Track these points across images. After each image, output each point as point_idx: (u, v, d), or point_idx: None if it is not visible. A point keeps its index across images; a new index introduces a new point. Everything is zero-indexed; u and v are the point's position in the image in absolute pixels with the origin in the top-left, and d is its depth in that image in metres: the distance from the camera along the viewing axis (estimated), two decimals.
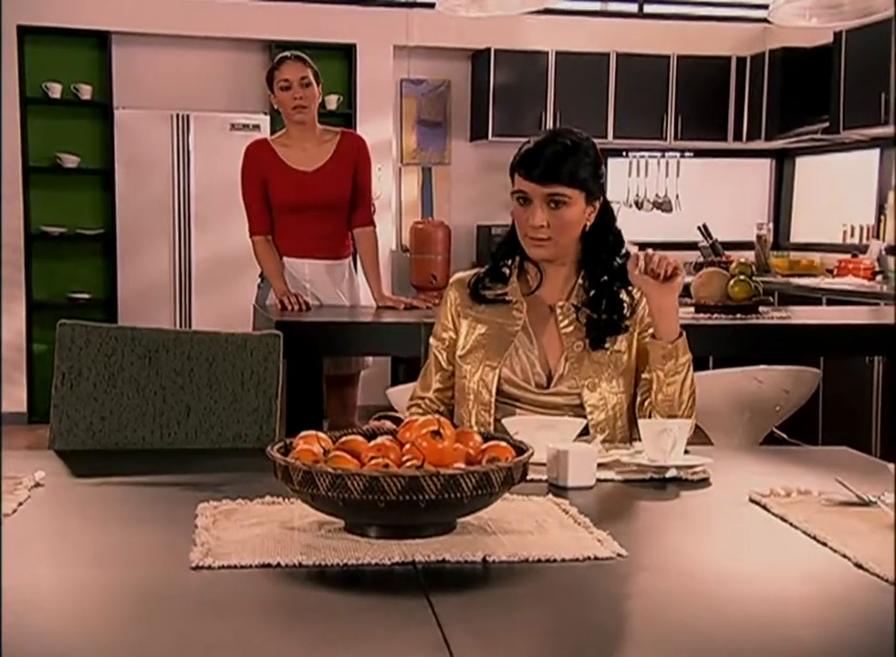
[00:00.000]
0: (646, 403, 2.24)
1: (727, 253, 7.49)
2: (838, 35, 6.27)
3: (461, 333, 2.34)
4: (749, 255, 7.36)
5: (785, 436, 4.83)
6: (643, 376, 2.26)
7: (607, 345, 2.27)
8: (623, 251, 2.36)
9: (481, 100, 7.12)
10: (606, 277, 2.31)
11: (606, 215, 2.34)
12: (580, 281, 2.32)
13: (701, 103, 7.25)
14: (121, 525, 1.60)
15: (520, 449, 1.59)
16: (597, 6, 7.52)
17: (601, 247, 2.33)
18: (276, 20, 6.82)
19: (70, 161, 6.72)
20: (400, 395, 3.54)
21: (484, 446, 1.60)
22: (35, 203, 6.70)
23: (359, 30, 6.95)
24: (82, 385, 2.17)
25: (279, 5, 6.84)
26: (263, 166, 4.04)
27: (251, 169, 4.07)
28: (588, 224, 2.29)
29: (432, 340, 2.38)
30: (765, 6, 7.21)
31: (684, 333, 2.20)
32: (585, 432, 2.16)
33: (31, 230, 6.67)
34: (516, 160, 2.27)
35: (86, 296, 6.81)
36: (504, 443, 1.60)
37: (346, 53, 6.98)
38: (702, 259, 7.57)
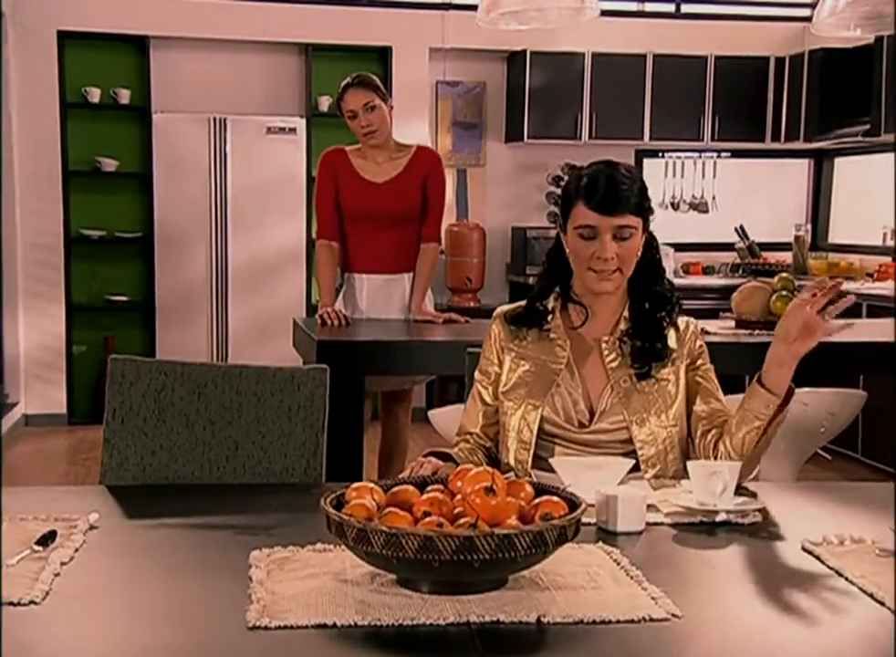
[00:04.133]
0: (710, 435, 2.18)
1: (764, 254, 7.46)
2: (879, 36, 6.20)
3: (504, 369, 2.32)
4: (787, 257, 7.33)
5: (829, 457, 4.81)
6: (697, 408, 2.23)
7: (653, 373, 2.25)
8: (664, 278, 2.35)
9: (516, 102, 7.10)
10: (649, 305, 2.30)
11: (653, 242, 2.33)
12: (625, 314, 2.31)
13: (738, 104, 7.19)
14: (176, 575, 1.61)
15: (573, 503, 1.59)
16: (634, 7, 7.47)
17: (649, 275, 2.32)
18: (312, 23, 6.83)
19: (109, 164, 6.77)
20: (442, 417, 3.54)
21: (537, 501, 1.60)
22: (74, 206, 6.76)
23: (395, 32, 6.94)
24: (132, 420, 2.19)
25: (315, 8, 6.85)
26: (336, 172, 4.12)
27: (325, 174, 4.15)
28: (640, 252, 2.28)
29: (476, 374, 2.37)
30: (804, 6, 7.17)
31: (794, 388, 2.10)
32: (636, 468, 2.16)
33: (71, 233, 6.74)
34: (579, 192, 2.21)
35: (124, 298, 6.87)
36: (556, 498, 1.60)
37: (381, 55, 6.98)
38: (738, 260, 7.55)
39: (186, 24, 6.71)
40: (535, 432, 2.25)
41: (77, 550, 1.67)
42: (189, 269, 6.75)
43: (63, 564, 1.60)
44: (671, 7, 7.45)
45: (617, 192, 2.19)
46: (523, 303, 2.39)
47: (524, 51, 6.93)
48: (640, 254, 2.27)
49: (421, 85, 7.05)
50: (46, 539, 1.67)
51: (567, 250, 2.28)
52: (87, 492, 2.16)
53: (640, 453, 2.20)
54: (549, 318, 2.32)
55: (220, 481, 2.20)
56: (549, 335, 2.30)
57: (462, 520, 1.52)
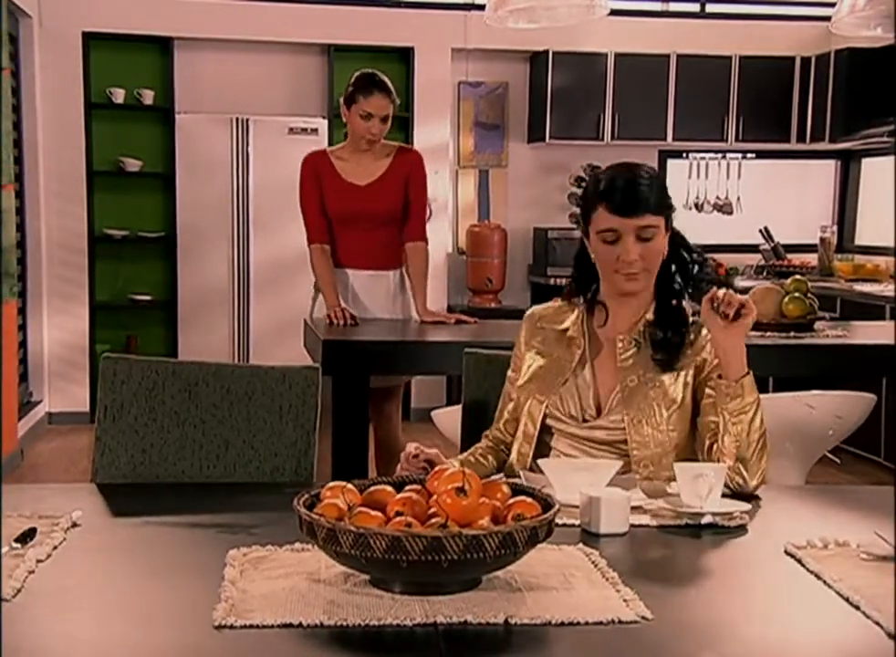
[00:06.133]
0: (714, 448, 2.15)
1: (790, 256, 7.39)
2: None
3: (524, 365, 2.34)
4: (812, 258, 7.26)
5: (838, 460, 4.76)
6: (710, 419, 2.19)
7: (658, 382, 2.22)
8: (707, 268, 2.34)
9: (539, 102, 7.08)
10: (675, 301, 2.27)
11: (676, 239, 2.30)
12: (648, 315, 2.28)
13: (763, 104, 7.14)
14: (151, 573, 1.61)
15: (547, 504, 1.58)
16: (658, 6, 7.43)
17: (679, 274, 2.29)
18: (335, 24, 6.84)
19: (133, 164, 6.81)
20: (446, 417, 3.54)
21: (510, 502, 1.59)
22: (98, 206, 6.82)
23: (417, 33, 6.94)
24: (124, 418, 2.20)
25: (337, 9, 6.86)
26: (319, 175, 4.14)
27: (308, 178, 4.17)
28: (666, 250, 2.27)
29: (509, 372, 2.39)
30: (830, 5, 7.10)
31: (751, 373, 2.11)
32: (628, 469, 2.16)
33: (95, 233, 6.79)
34: (599, 196, 2.21)
35: (147, 297, 6.91)
36: (530, 499, 1.59)
37: (403, 56, 6.98)
38: (763, 262, 7.49)
39: (209, 25, 6.75)
40: (538, 426, 2.26)
41: (55, 548, 1.68)
42: (211, 269, 6.78)
43: (39, 561, 1.61)
44: (695, 7, 7.40)
45: (636, 193, 2.18)
46: (555, 303, 2.40)
47: (546, 51, 6.90)
48: (665, 253, 2.26)
49: (443, 85, 7.05)
50: (26, 537, 1.68)
51: (592, 254, 2.28)
52: (76, 490, 2.17)
53: (633, 454, 2.19)
54: (570, 317, 2.32)
55: (210, 480, 2.20)
56: (567, 333, 2.32)
57: (432, 520, 1.51)
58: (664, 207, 2.23)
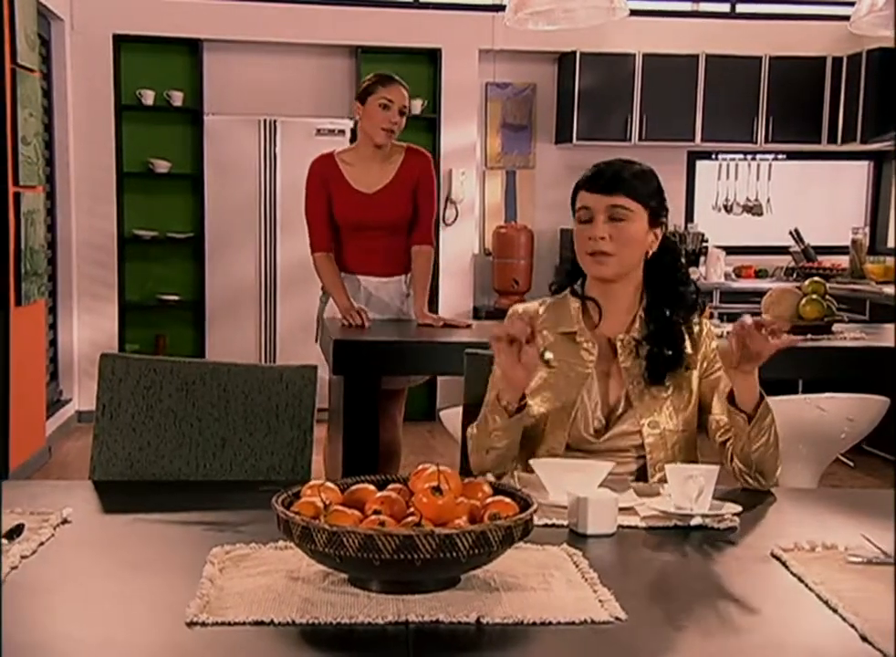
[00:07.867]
0: (728, 446, 2.15)
1: (820, 258, 7.32)
2: None
3: None
4: (844, 261, 7.18)
5: (851, 463, 4.70)
6: (716, 417, 2.18)
7: (667, 382, 2.22)
8: (691, 285, 2.32)
9: (566, 104, 7.07)
10: (668, 311, 2.26)
11: (668, 244, 2.31)
12: (641, 314, 2.27)
13: (794, 105, 7.08)
14: (133, 570, 1.62)
15: (526, 504, 1.57)
16: (687, 6, 7.39)
17: (665, 277, 2.28)
18: (363, 26, 6.87)
19: (162, 166, 6.87)
20: (453, 418, 3.53)
21: (488, 501, 1.58)
22: (128, 207, 6.88)
23: (445, 34, 6.95)
24: (121, 416, 2.22)
25: (365, 11, 6.89)
26: (327, 182, 4.10)
27: (316, 184, 4.13)
28: (651, 251, 2.26)
29: (492, 377, 2.28)
30: None
31: (765, 396, 2.08)
32: (642, 472, 2.17)
33: (124, 233, 6.85)
34: (580, 181, 2.25)
35: (175, 297, 6.97)
36: (508, 499, 1.58)
37: (431, 57, 6.99)
38: (793, 264, 7.42)
39: (238, 27, 6.80)
40: (562, 449, 2.22)
41: (42, 544, 1.69)
42: (239, 269, 6.83)
43: (23, 557, 1.62)
44: (725, 7, 7.35)
45: (613, 174, 2.21)
46: (535, 303, 2.38)
47: (574, 52, 6.89)
48: (650, 253, 2.25)
49: (470, 87, 7.05)
50: (12, 533, 1.69)
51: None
52: (72, 487, 2.19)
53: (649, 457, 2.18)
54: (568, 318, 2.30)
55: (207, 478, 2.21)
56: (575, 338, 2.27)
57: (407, 519, 1.51)
58: (645, 196, 2.22)
